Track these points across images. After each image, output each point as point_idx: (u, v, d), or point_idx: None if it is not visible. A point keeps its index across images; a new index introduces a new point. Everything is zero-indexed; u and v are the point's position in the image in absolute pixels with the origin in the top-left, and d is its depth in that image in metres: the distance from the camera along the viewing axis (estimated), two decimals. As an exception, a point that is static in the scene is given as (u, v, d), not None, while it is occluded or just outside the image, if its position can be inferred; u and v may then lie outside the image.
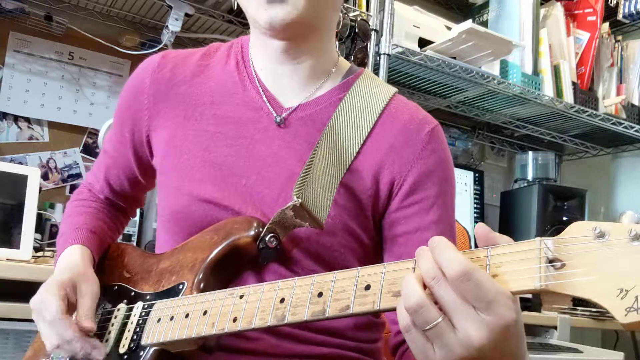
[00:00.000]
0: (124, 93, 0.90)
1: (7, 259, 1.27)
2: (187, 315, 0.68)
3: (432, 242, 0.52)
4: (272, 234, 0.73)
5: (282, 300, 0.61)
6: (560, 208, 2.19)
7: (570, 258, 0.46)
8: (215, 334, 0.65)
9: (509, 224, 2.25)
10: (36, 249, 1.44)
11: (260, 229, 0.73)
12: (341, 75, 0.86)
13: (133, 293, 0.80)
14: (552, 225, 2.15)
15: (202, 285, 0.73)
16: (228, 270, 0.76)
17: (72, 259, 0.82)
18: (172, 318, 0.70)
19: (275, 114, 0.81)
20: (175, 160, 0.82)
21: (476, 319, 0.48)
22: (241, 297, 0.65)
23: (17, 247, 1.34)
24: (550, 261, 0.47)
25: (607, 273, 0.44)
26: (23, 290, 1.14)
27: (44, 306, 0.72)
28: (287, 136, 0.80)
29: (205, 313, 0.67)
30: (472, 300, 0.48)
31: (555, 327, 1.87)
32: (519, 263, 0.48)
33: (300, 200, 0.72)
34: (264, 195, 0.77)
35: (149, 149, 0.87)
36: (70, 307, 0.74)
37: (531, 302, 1.87)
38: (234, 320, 0.64)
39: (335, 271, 0.59)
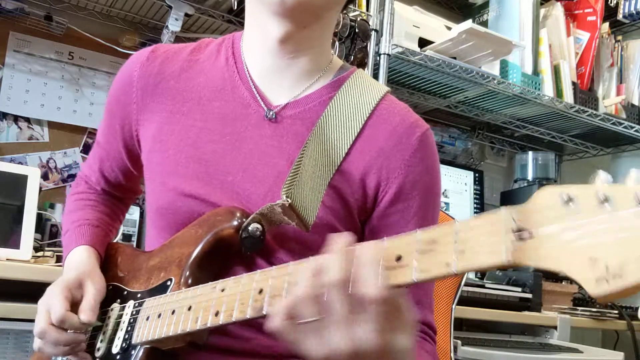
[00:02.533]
0: (113, 86, 0.89)
1: (7, 259, 1.27)
2: (173, 312, 0.68)
3: (361, 250, 0.52)
4: (255, 223, 0.72)
5: (260, 291, 0.60)
6: (560, 208, 2.18)
7: (538, 227, 0.43)
8: (198, 329, 0.64)
9: (509, 224, 2.25)
10: (36, 249, 1.43)
11: (243, 219, 0.72)
12: (333, 74, 0.84)
13: (125, 292, 0.80)
14: (552, 225, 2.14)
15: (189, 280, 0.73)
16: (215, 263, 0.75)
17: (79, 259, 0.84)
18: (159, 315, 0.70)
19: (264, 111, 0.80)
20: (161, 155, 0.81)
21: (349, 335, 0.51)
22: (222, 290, 0.64)
23: (17, 247, 1.34)
24: (518, 231, 0.43)
25: (577, 242, 0.41)
26: (23, 290, 1.14)
27: (51, 308, 0.75)
28: (275, 134, 0.79)
29: (189, 308, 0.66)
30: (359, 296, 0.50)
31: (555, 327, 1.87)
32: (486, 236, 0.45)
33: (289, 201, 0.71)
34: (250, 193, 0.76)
35: (137, 143, 0.87)
36: (75, 305, 0.76)
37: (531, 302, 1.87)
38: (216, 314, 0.63)
39: (310, 257, 0.57)
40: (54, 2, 1.69)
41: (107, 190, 0.97)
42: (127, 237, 1.66)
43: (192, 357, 0.73)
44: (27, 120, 1.72)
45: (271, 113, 0.79)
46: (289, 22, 0.76)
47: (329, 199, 0.76)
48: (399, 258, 0.50)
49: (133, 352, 0.71)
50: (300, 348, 0.54)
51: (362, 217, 0.79)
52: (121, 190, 0.98)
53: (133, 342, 0.72)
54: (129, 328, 0.74)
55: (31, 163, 1.69)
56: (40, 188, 1.54)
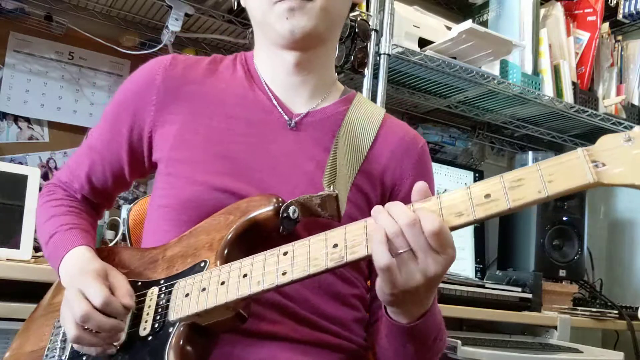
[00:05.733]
0: (127, 89, 0.92)
1: (7, 259, 1.27)
2: (222, 283, 0.70)
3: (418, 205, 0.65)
4: (293, 206, 0.76)
5: (335, 245, 0.66)
6: (560, 208, 2.19)
7: (609, 159, 0.58)
8: (264, 290, 0.67)
9: (509, 224, 2.25)
10: (36, 249, 1.43)
11: (281, 204, 0.76)
12: (339, 94, 0.96)
13: (140, 283, 0.80)
14: (552, 225, 2.15)
15: (226, 259, 0.74)
16: (246, 248, 0.77)
17: (85, 257, 0.83)
18: (203, 289, 0.70)
19: (286, 118, 0.88)
20: (186, 153, 0.84)
21: (436, 258, 0.63)
22: (285, 254, 0.68)
23: (17, 247, 1.33)
24: (594, 162, 0.58)
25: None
26: (23, 290, 1.14)
27: (90, 293, 0.73)
28: (299, 138, 0.87)
29: (245, 276, 0.68)
30: (436, 247, 0.63)
31: (555, 327, 1.87)
32: (569, 169, 0.60)
33: (337, 192, 0.79)
34: (278, 190, 0.81)
35: (148, 145, 0.89)
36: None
37: (531, 302, 1.87)
38: (284, 273, 0.67)
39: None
40: (54, 2, 1.69)
41: (87, 198, 0.97)
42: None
43: (221, 341, 0.74)
44: (27, 120, 1.72)
45: (293, 122, 0.88)
46: (299, 50, 0.87)
47: (353, 195, 0.85)
48: (487, 196, 0.62)
49: (170, 329, 0.71)
50: (404, 278, 0.64)
51: None
52: (102, 198, 0.98)
53: (171, 319, 0.72)
54: (160, 309, 0.74)
55: (31, 163, 1.69)
56: (40, 188, 1.53)
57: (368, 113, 0.94)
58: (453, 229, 0.64)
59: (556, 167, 0.60)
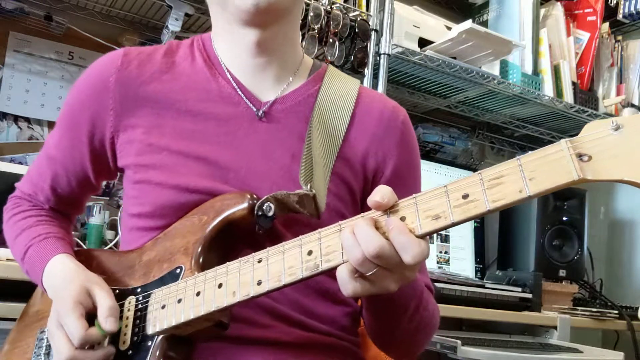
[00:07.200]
0: (77, 96, 0.87)
1: (7, 259, 1.26)
2: (198, 294, 0.68)
3: (390, 225, 0.60)
4: (269, 203, 0.73)
5: (309, 253, 0.63)
6: (560, 208, 2.19)
7: (595, 151, 0.52)
8: (239, 301, 0.65)
9: (509, 224, 2.25)
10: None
11: (255, 201, 0.73)
12: (308, 70, 0.89)
13: (117, 291, 0.78)
14: (552, 225, 2.15)
15: (201, 266, 0.72)
16: (224, 248, 0.75)
17: (68, 268, 0.80)
18: (179, 301, 0.69)
19: (255, 109, 0.82)
20: (154, 158, 0.80)
21: (413, 268, 0.61)
22: (259, 261, 0.65)
23: (17, 247, 1.33)
24: (579, 155, 0.53)
25: (632, 156, 0.50)
26: (23, 290, 1.13)
27: (69, 331, 0.72)
28: (270, 129, 0.82)
29: (220, 286, 0.66)
30: (412, 265, 0.59)
31: (555, 327, 1.87)
32: (552, 164, 0.53)
33: (314, 192, 0.74)
34: (256, 188, 0.77)
35: (111, 150, 0.85)
36: (89, 314, 0.74)
37: (531, 302, 1.87)
38: (259, 283, 0.64)
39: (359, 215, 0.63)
40: (54, 2, 1.69)
41: (55, 208, 0.94)
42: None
43: (209, 350, 0.73)
44: (27, 120, 1.71)
45: (261, 112, 0.82)
46: (261, 27, 0.80)
47: (334, 185, 0.80)
48: (465, 196, 0.57)
49: (149, 343, 0.70)
50: (379, 287, 0.61)
51: (362, 198, 0.84)
52: (71, 206, 0.95)
53: (149, 332, 0.71)
54: (138, 322, 0.73)
55: (31, 163, 1.69)
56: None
57: (341, 90, 0.87)
58: (429, 234, 0.59)
59: (538, 161, 0.54)
